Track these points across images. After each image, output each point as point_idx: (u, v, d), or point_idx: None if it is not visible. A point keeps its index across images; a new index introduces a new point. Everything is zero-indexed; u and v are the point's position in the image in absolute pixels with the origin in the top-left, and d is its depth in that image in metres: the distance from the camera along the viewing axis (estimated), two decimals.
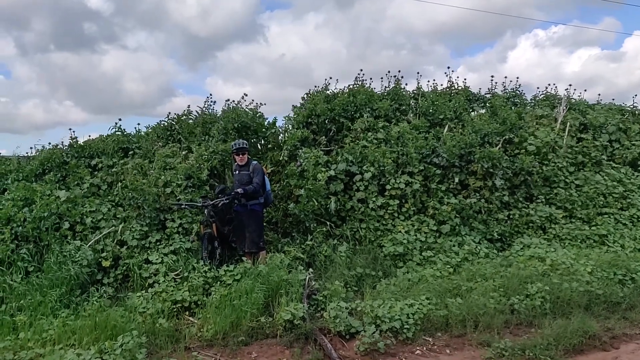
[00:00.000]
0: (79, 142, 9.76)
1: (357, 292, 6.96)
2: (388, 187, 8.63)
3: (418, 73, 12.39)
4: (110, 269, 6.93)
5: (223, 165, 8.80)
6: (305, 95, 11.28)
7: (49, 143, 9.98)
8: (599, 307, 6.59)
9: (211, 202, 7.35)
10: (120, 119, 13.90)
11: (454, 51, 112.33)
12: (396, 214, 8.57)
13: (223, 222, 7.61)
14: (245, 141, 7.72)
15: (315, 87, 11.53)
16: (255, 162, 7.76)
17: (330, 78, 11.52)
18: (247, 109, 9.95)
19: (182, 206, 7.53)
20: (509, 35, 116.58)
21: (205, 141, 9.43)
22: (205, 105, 10.92)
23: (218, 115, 10.44)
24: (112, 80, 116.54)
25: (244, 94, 10.56)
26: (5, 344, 5.20)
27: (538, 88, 15.65)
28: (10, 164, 9.77)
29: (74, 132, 9.70)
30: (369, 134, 9.67)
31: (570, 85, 13.58)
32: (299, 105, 11.03)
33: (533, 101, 13.38)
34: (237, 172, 7.67)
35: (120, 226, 7.38)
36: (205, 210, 7.43)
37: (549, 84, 16.43)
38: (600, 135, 11.27)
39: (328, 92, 11.17)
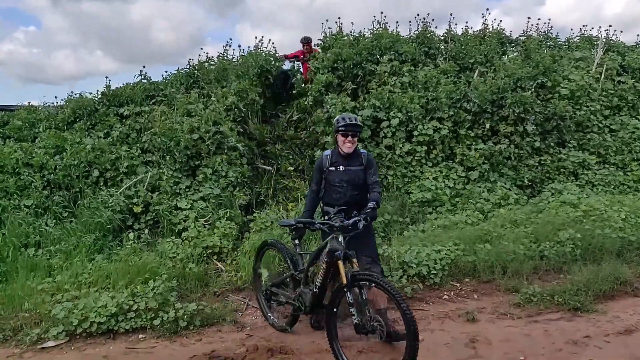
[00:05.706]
0: (110, 91, 9.68)
1: (385, 238, 6.96)
2: (415, 133, 8.47)
3: (451, 14, 11.89)
4: (140, 215, 7.03)
5: (246, 108, 8.64)
6: (321, 41, 10.98)
7: (82, 92, 9.96)
8: (631, 253, 6.50)
9: (350, 222, 4.13)
10: (144, 66, 13.79)
11: None
12: (424, 161, 8.44)
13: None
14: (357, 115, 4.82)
15: (328, 27, 11.16)
16: (364, 151, 4.83)
17: (352, 23, 11.25)
18: (264, 53, 9.79)
19: (315, 225, 4.33)
20: None
21: (224, 87, 9.36)
22: (225, 51, 10.82)
23: (237, 60, 10.32)
24: (142, 29, 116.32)
25: (259, 36, 10.48)
26: (43, 286, 5.40)
27: (572, 30, 14.99)
28: (41, 112, 9.85)
29: (109, 80, 9.67)
30: (395, 78, 9.42)
31: (610, 26, 12.86)
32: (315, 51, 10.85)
33: (568, 44, 12.82)
34: (339, 167, 4.63)
35: (152, 172, 7.43)
36: (334, 235, 4.16)
37: (584, 25, 15.64)
38: (639, 78, 10.79)
39: (344, 37, 10.80)
